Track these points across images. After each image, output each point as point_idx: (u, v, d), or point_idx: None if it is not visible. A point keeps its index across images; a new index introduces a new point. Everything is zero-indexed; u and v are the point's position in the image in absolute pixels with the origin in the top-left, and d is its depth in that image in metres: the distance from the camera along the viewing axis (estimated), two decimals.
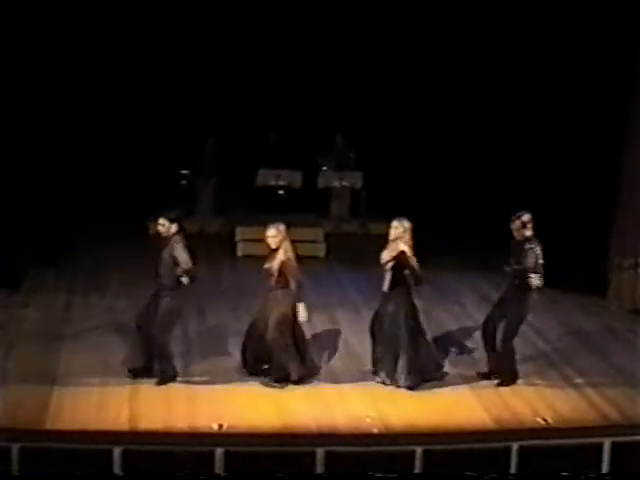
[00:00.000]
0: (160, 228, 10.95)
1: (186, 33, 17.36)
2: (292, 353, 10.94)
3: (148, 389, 10.68)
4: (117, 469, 8.99)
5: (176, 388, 10.78)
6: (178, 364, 11.08)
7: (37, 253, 14.56)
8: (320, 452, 9.13)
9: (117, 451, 8.99)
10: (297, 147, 17.58)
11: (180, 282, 10.75)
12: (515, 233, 11.07)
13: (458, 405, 10.63)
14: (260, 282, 11.15)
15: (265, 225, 11.05)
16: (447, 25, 16.94)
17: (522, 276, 10.93)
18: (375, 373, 11.20)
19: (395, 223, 11.00)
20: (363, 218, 17.76)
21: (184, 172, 17.84)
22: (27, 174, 14.68)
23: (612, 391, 11.03)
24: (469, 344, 12.28)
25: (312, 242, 16.21)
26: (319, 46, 17.62)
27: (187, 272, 10.76)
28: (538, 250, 10.97)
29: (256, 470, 9.04)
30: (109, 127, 17.17)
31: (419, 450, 9.21)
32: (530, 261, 10.92)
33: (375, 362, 11.22)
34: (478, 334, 11.73)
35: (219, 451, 9.04)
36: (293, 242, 11.04)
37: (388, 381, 10.98)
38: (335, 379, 11.19)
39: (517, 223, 11.03)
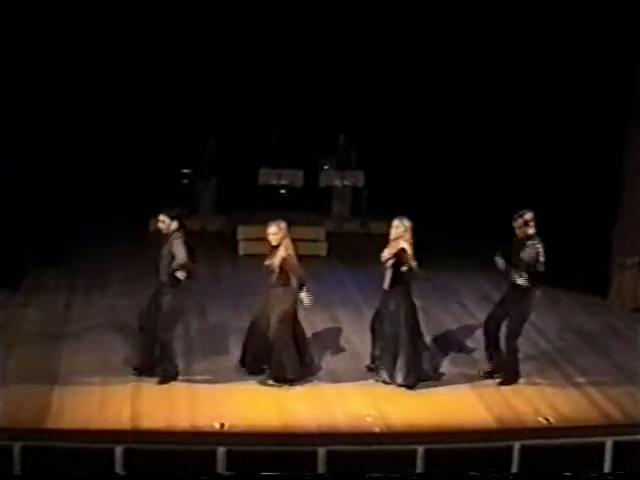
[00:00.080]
0: (160, 225, 10.94)
1: (186, 33, 17.32)
2: (292, 352, 10.94)
3: (150, 388, 10.67)
4: (119, 468, 9.00)
5: (178, 387, 10.77)
6: (180, 363, 11.07)
7: (37, 253, 14.52)
8: (322, 451, 9.13)
9: (119, 450, 9.00)
10: (298, 146, 17.55)
11: (178, 278, 10.69)
12: (517, 231, 11.09)
13: (459, 404, 10.63)
14: (261, 280, 11.15)
15: (266, 224, 11.05)
16: (448, 25, 16.90)
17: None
18: (371, 370, 11.21)
19: (396, 222, 11.02)
20: (364, 217, 17.72)
21: (185, 171, 17.82)
22: (27, 174, 14.64)
23: (614, 390, 11.03)
24: (470, 343, 12.26)
25: (313, 241, 16.20)
26: (320, 45, 17.59)
27: (183, 267, 10.67)
28: (540, 248, 10.99)
29: (258, 469, 9.02)
30: (109, 127, 17.13)
31: (420, 449, 9.22)
32: (530, 258, 10.93)
33: (374, 359, 11.25)
34: (479, 333, 11.73)
35: (221, 450, 9.05)
36: (294, 241, 11.06)
37: (389, 380, 10.98)
38: (336, 378, 11.18)
39: (519, 221, 11.05)
